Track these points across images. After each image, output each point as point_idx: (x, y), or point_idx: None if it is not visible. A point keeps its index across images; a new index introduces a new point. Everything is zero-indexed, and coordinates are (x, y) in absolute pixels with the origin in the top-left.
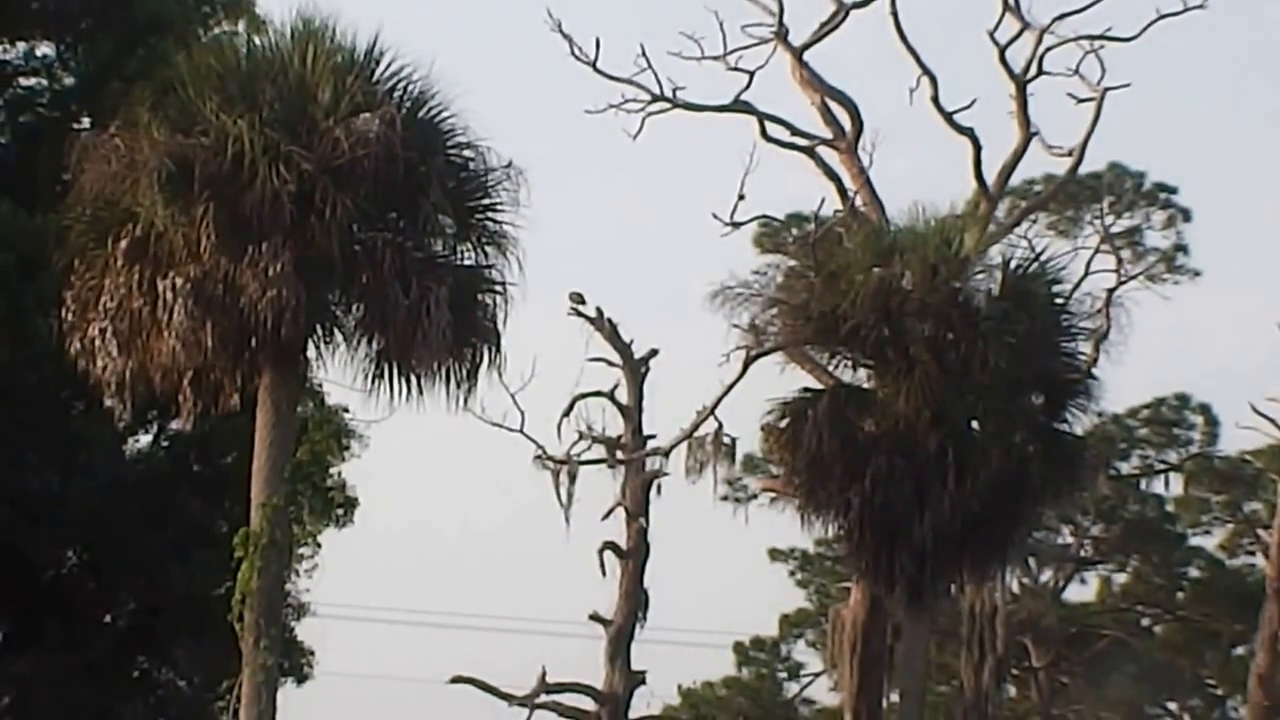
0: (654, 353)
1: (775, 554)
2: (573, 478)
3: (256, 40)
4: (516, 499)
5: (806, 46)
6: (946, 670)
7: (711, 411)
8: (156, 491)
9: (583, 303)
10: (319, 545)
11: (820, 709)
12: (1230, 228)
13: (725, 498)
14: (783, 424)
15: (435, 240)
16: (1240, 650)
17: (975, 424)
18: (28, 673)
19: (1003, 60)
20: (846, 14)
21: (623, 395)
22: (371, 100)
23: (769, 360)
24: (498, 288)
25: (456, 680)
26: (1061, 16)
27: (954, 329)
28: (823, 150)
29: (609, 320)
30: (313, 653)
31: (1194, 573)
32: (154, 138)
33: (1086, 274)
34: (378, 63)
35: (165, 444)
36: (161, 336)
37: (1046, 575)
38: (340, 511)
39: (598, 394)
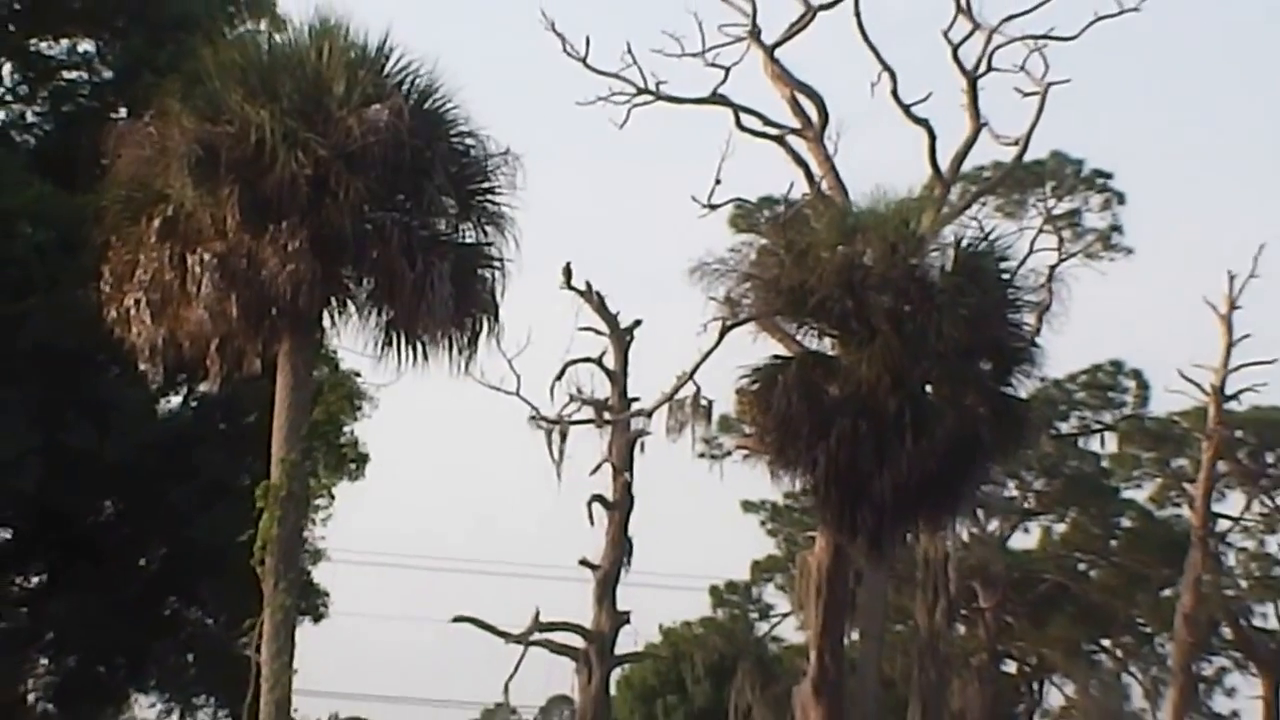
0: (638, 323)
1: (748, 506)
2: (564, 436)
3: (277, 37)
4: (513, 456)
5: (777, 44)
6: (903, 611)
7: (690, 376)
8: (184, 448)
9: (573, 276)
10: (333, 497)
11: (788, 646)
12: (1163, 209)
13: (702, 455)
14: (755, 388)
15: (439, 220)
16: (1168, 592)
17: (930, 388)
18: (65, 613)
19: (955, 58)
20: (814, 15)
21: (610, 361)
22: (381, 92)
23: (743, 330)
24: (496, 263)
25: (458, 620)
26: (1010, 18)
27: (911, 302)
28: (792, 139)
29: (597, 293)
30: (327, 594)
31: (1126, 523)
32: (183, 125)
33: (1031, 252)
34: (387, 58)
35: (193, 405)
36: (190, 306)
37: (994, 525)
38: (353, 466)
39: (587, 360)
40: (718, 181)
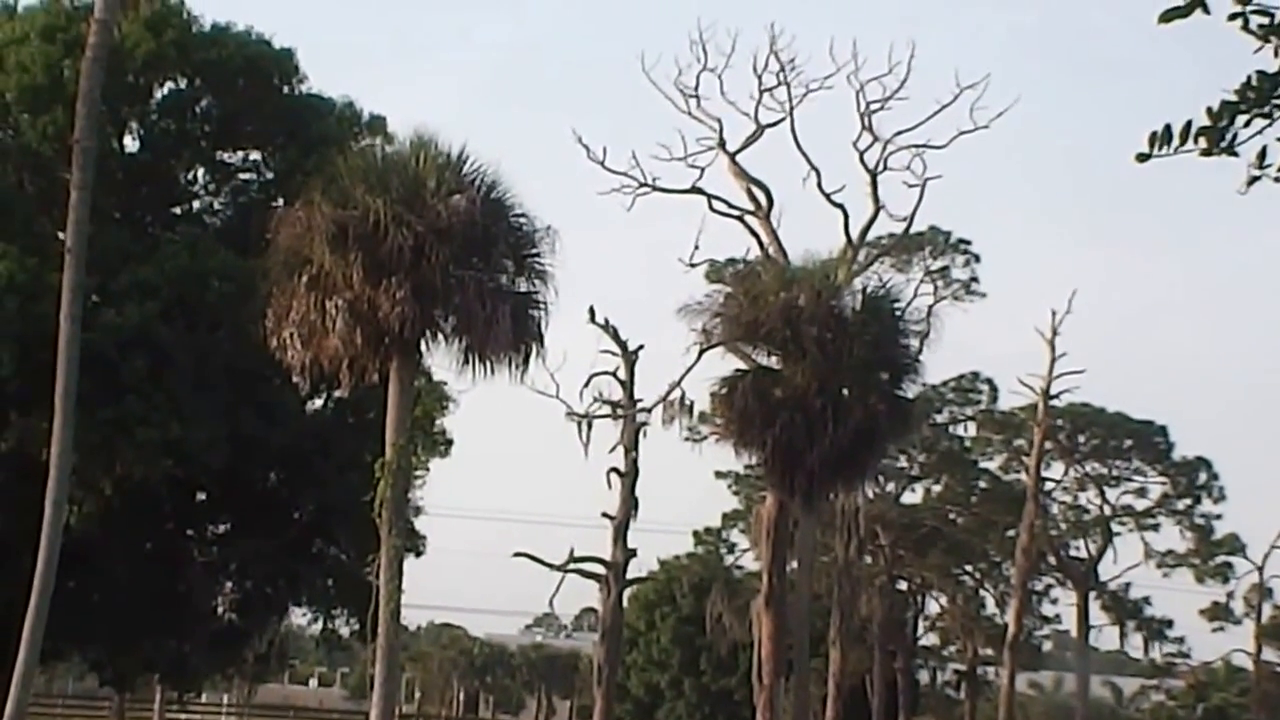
0: (641, 346)
1: (719, 474)
2: (590, 426)
3: (388, 148)
4: (554, 440)
5: (738, 151)
6: (828, 547)
7: (678, 384)
8: (326, 435)
9: (595, 315)
10: (429, 469)
11: (748, 572)
12: (1006, 265)
13: (687, 439)
14: (723, 392)
15: (501, 275)
16: (1011, 533)
17: (845, 391)
18: (244, 551)
19: (861, 160)
20: (763, 131)
21: (621, 374)
22: (461, 186)
23: (714, 351)
24: (541, 306)
25: (517, 554)
26: (899, 132)
27: (831, 331)
28: (748, 218)
29: (612, 326)
30: (425, 537)
31: (982, 484)
32: (323, 211)
33: (915, 296)
34: (465, 162)
35: (331, 405)
36: (328, 337)
37: (890, 486)
38: (442, 448)
39: (605, 373)
40: (696, 247)
